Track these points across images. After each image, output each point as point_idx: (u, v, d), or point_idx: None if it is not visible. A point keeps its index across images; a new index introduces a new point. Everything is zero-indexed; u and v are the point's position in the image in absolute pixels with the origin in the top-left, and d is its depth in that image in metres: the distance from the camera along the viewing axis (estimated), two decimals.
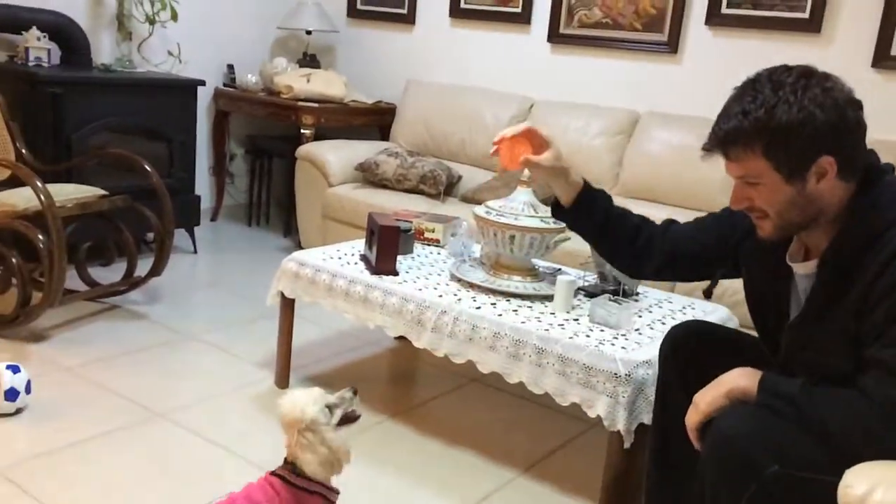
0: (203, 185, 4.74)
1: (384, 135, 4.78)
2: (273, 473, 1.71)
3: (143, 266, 3.45)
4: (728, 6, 3.70)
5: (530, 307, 2.37)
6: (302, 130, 4.40)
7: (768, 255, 1.61)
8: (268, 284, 2.78)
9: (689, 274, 1.88)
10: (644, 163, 3.74)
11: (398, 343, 3.29)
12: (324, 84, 4.51)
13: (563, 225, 2.11)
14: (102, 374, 2.76)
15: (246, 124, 5.07)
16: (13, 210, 2.96)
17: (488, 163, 4.23)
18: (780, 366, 1.59)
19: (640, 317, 2.39)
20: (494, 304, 2.37)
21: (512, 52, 4.43)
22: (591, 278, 2.63)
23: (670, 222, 1.89)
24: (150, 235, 3.85)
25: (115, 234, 3.40)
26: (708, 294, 1.89)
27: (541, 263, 2.67)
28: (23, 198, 2.98)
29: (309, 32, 4.91)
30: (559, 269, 2.70)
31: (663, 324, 2.34)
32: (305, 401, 1.68)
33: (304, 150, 4.28)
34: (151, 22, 4.20)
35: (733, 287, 2.70)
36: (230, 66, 4.85)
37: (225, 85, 4.83)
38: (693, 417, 1.55)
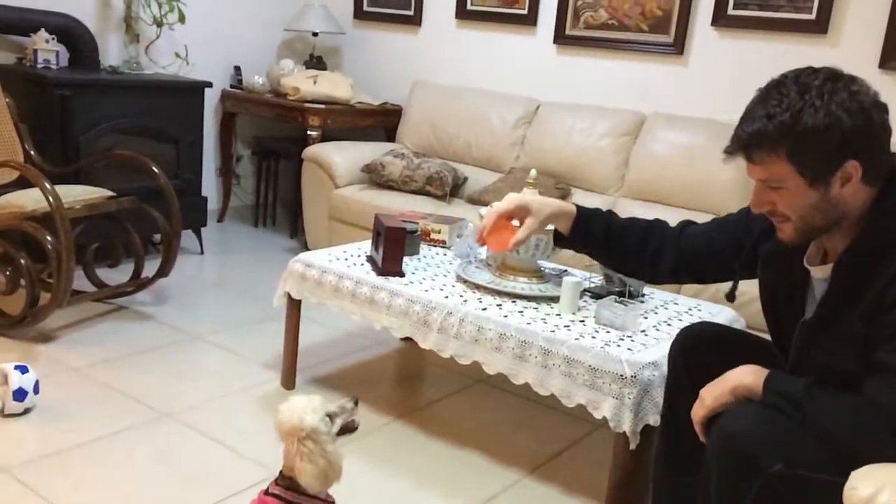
0: (210, 186, 4.76)
1: (390, 136, 4.78)
2: (268, 493, 1.65)
3: (151, 267, 3.47)
4: (734, 7, 3.69)
5: (536, 308, 2.37)
6: (308, 132, 4.41)
7: (786, 257, 1.59)
8: (274, 285, 2.79)
9: (706, 275, 1.87)
10: (650, 164, 3.73)
11: (404, 344, 3.29)
12: (330, 86, 4.51)
13: None
14: (110, 375, 2.78)
15: (253, 126, 5.09)
16: (22, 211, 2.97)
17: (494, 164, 4.24)
18: (790, 366, 1.58)
19: (646, 318, 2.39)
20: (500, 305, 2.37)
21: (518, 54, 4.43)
22: (597, 280, 2.63)
23: (687, 223, 1.89)
24: (158, 236, 3.86)
25: (123, 235, 3.41)
26: (731, 297, 1.81)
27: (547, 265, 2.67)
28: (31, 199, 2.99)
29: (315, 34, 4.92)
30: (565, 271, 2.71)
31: (669, 325, 2.34)
32: (305, 408, 1.62)
33: (311, 151, 4.29)
34: (159, 24, 4.22)
35: (741, 289, 2.69)
36: (237, 68, 4.86)
37: (232, 87, 4.85)
38: (699, 411, 1.56)
